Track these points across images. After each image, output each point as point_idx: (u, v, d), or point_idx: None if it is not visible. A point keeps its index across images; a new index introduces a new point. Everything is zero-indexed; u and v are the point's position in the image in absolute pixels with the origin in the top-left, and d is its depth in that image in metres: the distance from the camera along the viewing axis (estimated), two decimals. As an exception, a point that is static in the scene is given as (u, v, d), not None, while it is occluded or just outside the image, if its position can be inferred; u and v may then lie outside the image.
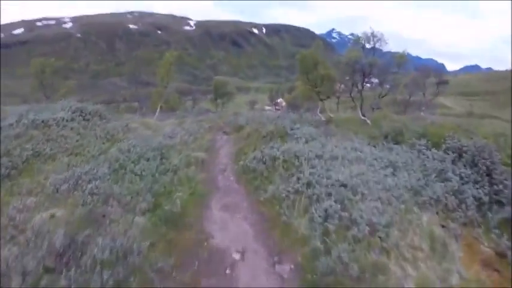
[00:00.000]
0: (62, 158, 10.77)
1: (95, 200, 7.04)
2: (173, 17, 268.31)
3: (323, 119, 20.53)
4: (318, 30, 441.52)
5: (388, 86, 22.66)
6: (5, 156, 10.16)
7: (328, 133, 13.58)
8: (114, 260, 5.41)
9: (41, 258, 5.31)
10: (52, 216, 6.71)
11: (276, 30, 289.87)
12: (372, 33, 19.58)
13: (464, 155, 9.51)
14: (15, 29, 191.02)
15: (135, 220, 6.49)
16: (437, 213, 7.10)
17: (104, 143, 12.30)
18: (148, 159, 9.67)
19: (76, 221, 6.52)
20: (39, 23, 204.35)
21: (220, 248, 6.14)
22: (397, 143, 12.50)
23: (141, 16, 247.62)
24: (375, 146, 12.63)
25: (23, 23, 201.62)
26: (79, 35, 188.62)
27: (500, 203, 7.48)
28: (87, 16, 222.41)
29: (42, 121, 13.80)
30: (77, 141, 12.39)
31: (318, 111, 21.92)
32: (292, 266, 5.63)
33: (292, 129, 12.62)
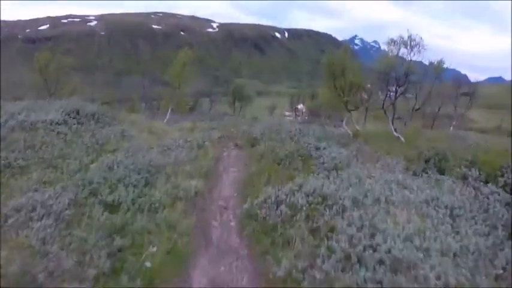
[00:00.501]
0: (34, 172, 8.82)
1: (35, 252, 4.89)
2: (196, 18, 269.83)
3: (349, 132, 18.11)
4: (340, 36, 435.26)
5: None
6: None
7: (361, 155, 11.22)
8: None
9: None
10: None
11: (298, 35, 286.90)
12: (410, 37, 17.05)
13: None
14: (40, 25, 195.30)
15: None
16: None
17: (89, 155, 10.30)
18: (128, 186, 7.51)
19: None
20: (64, 20, 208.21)
21: None
22: (440, 170, 10.72)
23: (164, 17, 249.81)
24: (416, 174, 10.42)
25: (48, 20, 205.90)
26: (103, 33, 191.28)
27: None
28: (112, 15, 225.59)
29: (31, 123, 12.06)
30: (61, 149, 10.44)
31: (344, 123, 19.51)
32: None
33: (317, 149, 10.32)
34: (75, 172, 8.93)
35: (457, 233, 5.86)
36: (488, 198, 7.58)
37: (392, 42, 17.28)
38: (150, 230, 5.93)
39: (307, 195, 6.54)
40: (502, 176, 8.58)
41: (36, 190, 7.29)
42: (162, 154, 10.35)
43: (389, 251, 4.63)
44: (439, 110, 31.97)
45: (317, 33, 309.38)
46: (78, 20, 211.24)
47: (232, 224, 6.67)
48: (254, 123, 22.88)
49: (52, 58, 21.54)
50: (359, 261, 4.54)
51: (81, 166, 9.34)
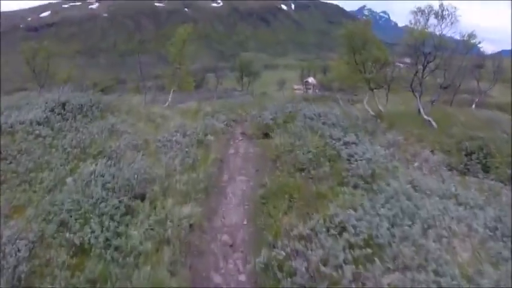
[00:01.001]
0: (5, 192, 6.93)
1: None
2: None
3: (371, 113, 15.82)
4: (348, 7, 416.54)
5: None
6: None
7: (396, 150, 9.16)
8: None
9: None
10: None
11: (304, 6, 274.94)
12: (441, 6, 14.37)
13: None
14: (41, 12, 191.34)
15: None
16: None
17: (68, 162, 8.40)
18: (103, 216, 5.61)
19: None
20: (65, 5, 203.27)
21: None
22: (485, 168, 9.73)
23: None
24: (464, 173, 9.44)
25: (49, 6, 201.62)
26: (105, 15, 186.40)
27: None
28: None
29: (10, 125, 10.21)
30: (38, 158, 8.57)
31: (365, 102, 17.15)
32: None
33: (345, 146, 8.13)
34: (48, 190, 7.06)
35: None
36: None
37: (419, 11, 14.65)
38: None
39: (351, 246, 4.36)
40: None
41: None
42: (152, 158, 8.39)
43: None
44: (459, 86, 28.71)
45: (324, 3, 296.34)
46: (79, 3, 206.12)
47: (242, 278, 4.64)
48: (264, 104, 20.71)
49: (39, 48, 19.40)
50: None
51: (57, 181, 7.45)
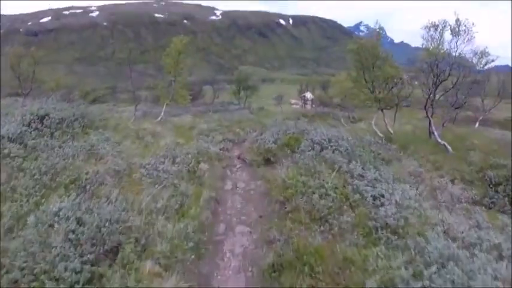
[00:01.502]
0: None
1: None
2: (200, 6, 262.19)
3: (380, 134, 14.47)
4: (345, 23, 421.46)
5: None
6: None
7: (421, 186, 7.75)
8: None
9: None
10: None
11: (302, 21, 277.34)
12: (457, 20, 13.25)
13: None
14: (42, 17, 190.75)
15: None
16: None
17: (36, 192, 6.82)
18: (59, 281, 4.06)
19: None
20: (66, 12, 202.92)
21: None
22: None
23: (167, 5, 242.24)
24: (489, 207, 8.52)
25: (50, 12, 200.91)
26: (105, 24, 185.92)
27: None
28: (114, 5, 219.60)
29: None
30: (3, 184, 6.98)
31: (373, 123, 15.81)
32: None
33: (367, 184, 6.62)
34: (6, 229, 5.47)
35: None
36: None
37: (433, 26, 13.50)
38: None
39: None
40: None
41: None
42: (133, 191, 6.85)
43: None
44: (465, 103, 27.54)
45: (322, 19, 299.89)
46: (79, 11, 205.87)
47: None
48: (263, 122, 19.29)
49: (25, 54, 17.91)
50: None
51: (17, 218, 5.87)
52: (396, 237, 5.27)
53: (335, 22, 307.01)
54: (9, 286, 4.12)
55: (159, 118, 17.22)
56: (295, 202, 6.00)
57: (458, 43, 13.15)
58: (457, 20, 13.17)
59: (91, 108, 17.98)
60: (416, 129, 17.19)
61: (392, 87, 14.36)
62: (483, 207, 8.51)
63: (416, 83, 15.41)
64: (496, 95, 30.36)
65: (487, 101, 30.36)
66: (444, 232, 5.64)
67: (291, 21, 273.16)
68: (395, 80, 14.18)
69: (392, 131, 14.64)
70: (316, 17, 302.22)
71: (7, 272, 4.30)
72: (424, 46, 13.22)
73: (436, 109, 14.83)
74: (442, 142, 12.51)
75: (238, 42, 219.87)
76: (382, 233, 5.34)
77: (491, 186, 9.60)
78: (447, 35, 13.39)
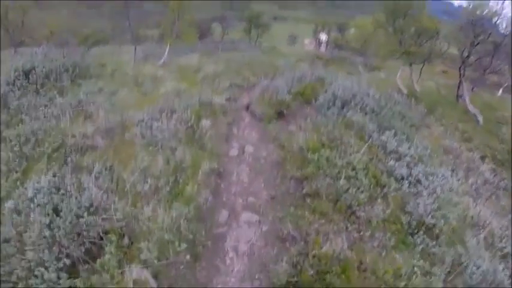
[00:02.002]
0: None
1: None
2: None
3: (404, 91, 12.79)
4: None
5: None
6: None
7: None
8: None
9: None
10: None
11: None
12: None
13: None
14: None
15: None
16: None
17: (16, 168, 5.86)
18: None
19: None
20: None
21: None
22: None
23: None
24: None
25: None
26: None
27: None
28: None
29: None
30: None
31: (398, 77, 13.90)
32: None
33: (407, 167, 5.30)
34: None
35: None
36: None
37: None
38: None
39: None
40: None
41: None
42: (123, 160, 5.71)
43: None
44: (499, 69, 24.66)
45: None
46: None
47: None
48: (275, 66, 17.32)
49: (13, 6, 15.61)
50: None
51: None
52: (434, 242, 4.22)
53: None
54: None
55: (162, 60, 15.45)
56: (316, 184, 4.76)
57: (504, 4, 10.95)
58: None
59: (90, 53, 16.40)
60: (441, 88, 15.32)
61: (426, 41, 12.24)
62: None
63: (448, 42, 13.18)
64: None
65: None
66: (484, 238, 4.61)
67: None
68: (430, 34, 12.01)
69: (418, 89, 12.87)
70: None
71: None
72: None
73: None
74: (473, 111, 10.90)
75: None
76: (417, 235, 4.28)
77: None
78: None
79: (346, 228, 4.29)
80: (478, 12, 10.72)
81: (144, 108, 8.33)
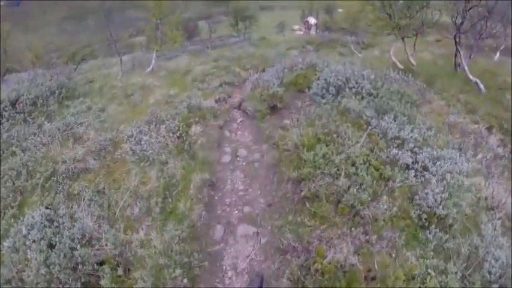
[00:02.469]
0: None
1: None
2: None
3: (399, 66, 12.23)
4: None
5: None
6: None
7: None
8: None
9: None
10: None
11: None
12: None
13: None
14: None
15: None
16: None
17: (12, 207, 5.63)
18: None
19: None
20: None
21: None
22: None
23: None
24: None
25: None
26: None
27: None
28: None
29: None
30: None
31: (392, 52, 13.32)
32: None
33: (411, 152, 4.90)
34: None
35: None
36: None
37: None
38: None
39: None
40: None
41: None
42: (116, 179, 5.41)
43: None
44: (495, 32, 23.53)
45: None
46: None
47: None
48: (265, 57, 16.73)
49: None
50: None
51: None
52: (447, 236, 3.84)
53: None
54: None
55: (150, 67, 15.04)
56: (315, 186, 4.37)
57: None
58: None
59: (78, 70, 16.07)
60: (437, 58, 14.65)
61: (417, 12, 11.61)
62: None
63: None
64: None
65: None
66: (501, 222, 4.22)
67: None
68: (420, 4, 11.37)
69: (414, 63, 12.29)
70: None
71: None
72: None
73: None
74: (474, 79, 10.30)
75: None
76: (429, 229, 3.90)
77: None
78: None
79: (351, 230, 3.91)
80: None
81: (136, 119, 8.04)
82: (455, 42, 10.96)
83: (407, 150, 4.90)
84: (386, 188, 4.35)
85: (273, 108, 8.15)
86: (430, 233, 3.95)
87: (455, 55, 11.28)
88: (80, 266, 3.82)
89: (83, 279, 3.76)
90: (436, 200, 4.13)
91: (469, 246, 3.92)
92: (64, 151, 6.99)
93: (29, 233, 4.28)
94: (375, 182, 4.36)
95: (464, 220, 4.24)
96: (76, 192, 5.47)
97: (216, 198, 5.10)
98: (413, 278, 3.40)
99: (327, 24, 42.24)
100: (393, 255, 3.75)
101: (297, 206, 4.44)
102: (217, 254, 4.13)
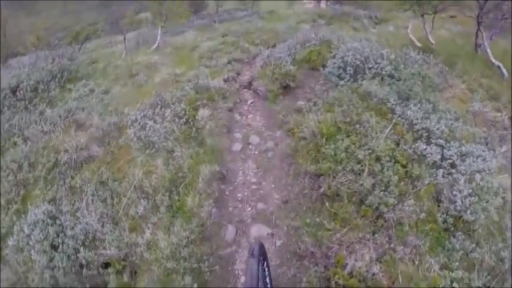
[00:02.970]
0: None
1: None
2: None
3: (417, 43, 11.48)
4: None
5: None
6: None
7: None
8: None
9: None
10: None
11: None
12: None
13: None
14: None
15: None
16: None
17: (15, 201, 5.39)
18: None
19: None
20: None
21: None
22: None
23: None
24: None
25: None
26: None
27: None
28: None
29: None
30: None
31: (409, 30, 12.45)
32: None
33: (438, 146, 4.42)
34: None
35: None
36: None
37: None
38: None
39: None
40: None
41: None
42: (120, 168, 5.10)
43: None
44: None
45: None
46: None
47: None
48: (276, 31, 15.85)
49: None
50: None
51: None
52: (474, 245, 3.49)
53: None
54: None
55: (156, 44, 14.44)
56: (336, 184, 3.98)
57: None
58: None
59: (82, 50, 15.56)
60: (456, 37, 13.69)
61: None
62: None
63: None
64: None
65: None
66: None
67: None
68: None
69: (433, 41, 11.48)
70: None
71: None
72: None
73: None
74: (497, 63, 9.53)
75: None
76: (456, 236, 3.56)
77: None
78: None
79: (373, 235, 3.57)
80: None
81: (138, 104, 7.64)
82: (478, 22, 10.13)
83: (435, 145, 4.44)
84: (414, 189, 3.94)
85: (286, 88, 7.65)
86: (456, 240, 3.61)
87: (476, 35, 10.48)
88: (84, 270, 3.60)
89: (88, 285, 3.55)
90: (464, 204, 3.74)
91: (494, 255, 3.56)
92: (66, 139, 6.66)
93: (31, 233, 4.04)
94: (401, 181, 3.95)
95: (488, 224, 3.87)
96: (79, 185, 5.17)
97: (226, 192, 4.74)
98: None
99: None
100: (416, 262, 3.42)
101: (315, 204, 4.06)
102: (229, 257, 3.82)
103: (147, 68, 11.29)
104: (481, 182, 3.95)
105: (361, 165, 4.03)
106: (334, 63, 7.37)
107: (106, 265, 3.71)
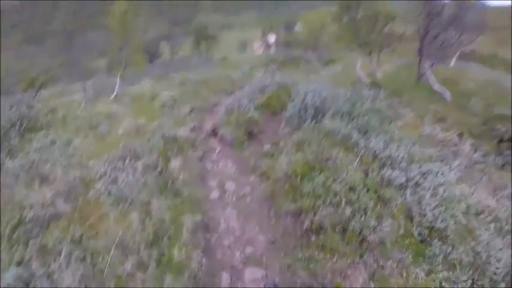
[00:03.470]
0: None
1: None
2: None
3: (365, 80, 12.74)
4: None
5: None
6: None
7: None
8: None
9: None
10: None
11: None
12: None
13: None
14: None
15: None
16: None
17: None
18: None
19: None
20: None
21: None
22: None
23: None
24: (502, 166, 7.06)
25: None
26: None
27: None
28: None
29: None
30: None
31: (358, 68, 13.81)
32: None
33: (402, 170, 4.90)
34: None
35: None
36: None
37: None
38: None
39: None
40: None
41: None
42: (93, 225, 4.91)
43: None
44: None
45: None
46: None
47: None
48: (233, 82, 16.57)
49: None
50: None
51: None
52: (450, 248, 3.91)
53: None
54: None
55: (114, 93, 14.40)
56: (319, 218, 4.21)
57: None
58: None
59: (39, 98, 15.05)
60: (400, 70, 15.40)
61: (384, 27, 12.17)
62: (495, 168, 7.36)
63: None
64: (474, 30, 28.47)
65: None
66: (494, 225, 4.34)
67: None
68: (387, 19, 11.95)
69: (379, 77, 12.81)
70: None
71: None
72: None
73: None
74: (439, 90, 10.90)
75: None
76: (431, 243, 3.98)
77: (500, 141, 8.37)
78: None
79: (361, 258, 3.83)
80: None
81: (104, 156, 7.47)
82: (419, 54, 11.52)
83: (399, 169, 4.97)
84: (388, 210, 4.35)
85: (250, 134, 7.98)
86: (434, 247, 4.04)
87: (419, 66, 11.85)
88: None
89: None
90: (434, 215, 4.24)
91: (471, 252, 4.04)
92: (30, 194, 6.28)
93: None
94: (376, 205, 4.35)
95: (458, 228, 4.35)
96: (50, 244, 4.85)
97: (212, 241, 4.74)
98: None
99: (288, 40, 43.33)
100: (404, 274, 3.72)
101: (301, 240, 4.25)
102: None
103: (108, 119, 11.14)
104: (444, 194, 4.55)
105: (338, 197, 4.33)
106: (295, 106, 7.86)
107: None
